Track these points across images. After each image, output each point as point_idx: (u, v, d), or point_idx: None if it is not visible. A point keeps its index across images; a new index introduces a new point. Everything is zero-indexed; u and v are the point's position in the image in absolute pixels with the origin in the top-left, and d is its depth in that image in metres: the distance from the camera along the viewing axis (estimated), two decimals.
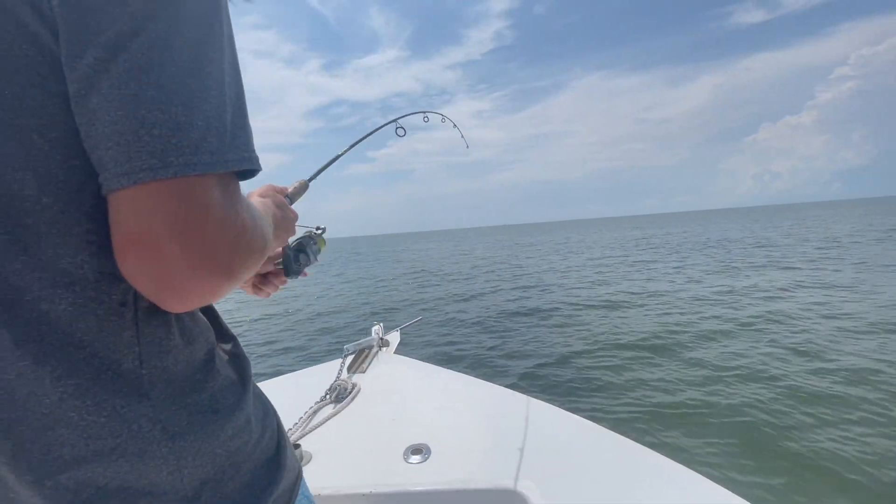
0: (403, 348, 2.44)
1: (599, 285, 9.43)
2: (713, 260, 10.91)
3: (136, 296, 0.34)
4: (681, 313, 6.14)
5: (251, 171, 0.35)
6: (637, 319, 6.09)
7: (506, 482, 1.03)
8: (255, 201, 0.56)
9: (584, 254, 18.02)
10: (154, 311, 0.35)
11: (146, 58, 0.29)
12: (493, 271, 14.07)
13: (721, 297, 6.87)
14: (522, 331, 6.04)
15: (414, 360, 2.08)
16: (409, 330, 2.90)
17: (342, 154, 1.00)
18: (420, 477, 1.08)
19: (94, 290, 0.32)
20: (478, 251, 25.63)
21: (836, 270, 8.63)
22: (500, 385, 1.61)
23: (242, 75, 0.36)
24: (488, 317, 7.17)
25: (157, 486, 0.33)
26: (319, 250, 0.74)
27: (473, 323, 6.80)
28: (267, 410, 0.45)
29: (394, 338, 2.40)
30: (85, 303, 0.32)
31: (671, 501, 0.93)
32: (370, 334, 2.30)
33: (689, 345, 4.76)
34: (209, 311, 0.44)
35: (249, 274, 0.38)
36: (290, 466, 0.45)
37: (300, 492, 0.45)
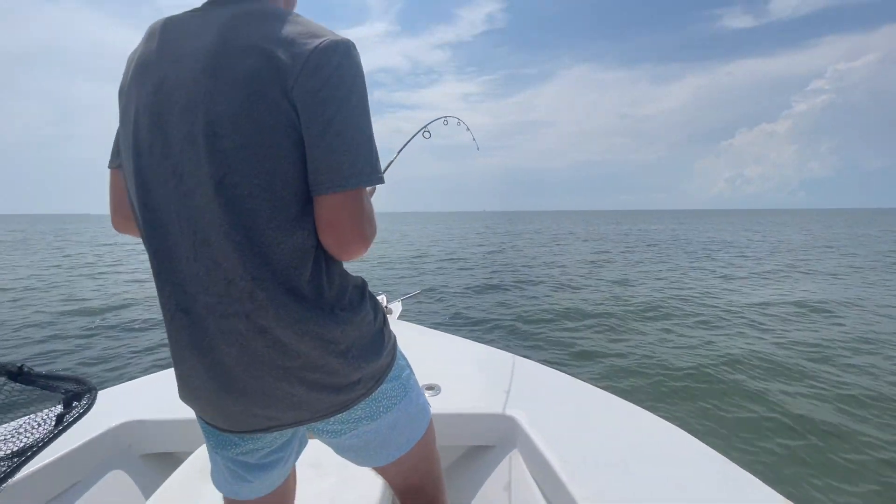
0: (404, 317, 2.78)
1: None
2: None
3: (317, 245, 0.63)
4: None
5: (381, 183, 0.65)
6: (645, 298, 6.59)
7: (500, 409, 1.39)
8: None
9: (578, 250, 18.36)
10: (323, 250, 0.62)
11: (341, 127, 0.56)
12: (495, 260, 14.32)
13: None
14: (519, 307, 6.48)
15: (417, 325, 2.42)
16: (408, 303, 3.24)
17: (390, 163, 1.37)
18: (433, 406, 1.43)
19: (303, 243, 0.60)
20: (470, 237, 25.69)
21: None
22: (489, 346, 1.98)
23: None
24: (484, 297, 7.59)
25: (335, 338, 0.64)
26: None
27: (469, 301, 7.20)
28: (376, 304, 0.73)
29: (396, 307, 2.74)
30: (300, 247, 0.60)
31: (622, 430, 1.29)
32: None
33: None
34: None
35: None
36: (391, 335, 0.76)
37: (398, 352, 0.78)
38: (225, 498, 0.78)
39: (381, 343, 0.70)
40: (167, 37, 0.61)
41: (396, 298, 2.94)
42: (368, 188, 0.63)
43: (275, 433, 0.69)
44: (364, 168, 0.59)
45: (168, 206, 0.60)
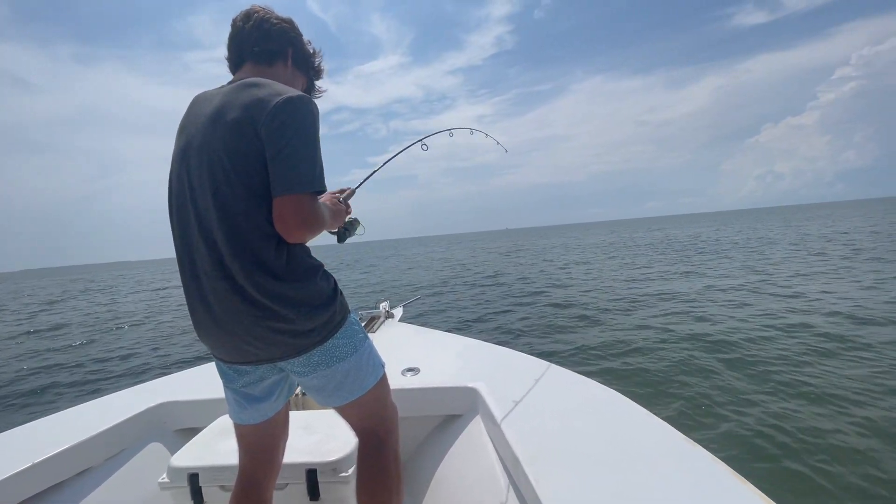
0: (405, 321, 3.04)
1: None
2: None
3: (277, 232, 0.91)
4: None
5: (322, 191, 0.91)
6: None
7: (465, 383, 1.64)
8: (323, 201, 1.12)
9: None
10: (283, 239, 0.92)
11: (288, 152, 0.85)
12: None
13: None
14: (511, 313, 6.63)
15: (412, 325, 2.69)
16: (410, 307, 3.52)
17: (379, 168, 1.49)
18: (411, 384, 1.69)
19: (268, 230, 0.88)
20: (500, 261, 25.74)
21: None
22: (470, 337, 2.23)
23: None
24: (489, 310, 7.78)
25: (290, 297, 0.89)
26: (357, 229, 1.31)
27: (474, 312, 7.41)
28: (328, 279, 0.98)
29: (397, 312, 3.01)
30: (263, 234, 0.87)
31: (566, 394, 1.51)
32: (377, 308, 2.91)
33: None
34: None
35: (318, 234, 0.95)
36: (342, 302, 1.00)
37: (350, 316, 1.02)
38: (235, 424, 1.06)
39: (329, 305, 0.95)
40: (196, 104, 0.96)
41: (398, 304, 3.23)
42: (325, 195, 0.96)
43: (262, 369, 0.97)
44: (303, 180, 0.86)
45: (186, 208, 0.91)
